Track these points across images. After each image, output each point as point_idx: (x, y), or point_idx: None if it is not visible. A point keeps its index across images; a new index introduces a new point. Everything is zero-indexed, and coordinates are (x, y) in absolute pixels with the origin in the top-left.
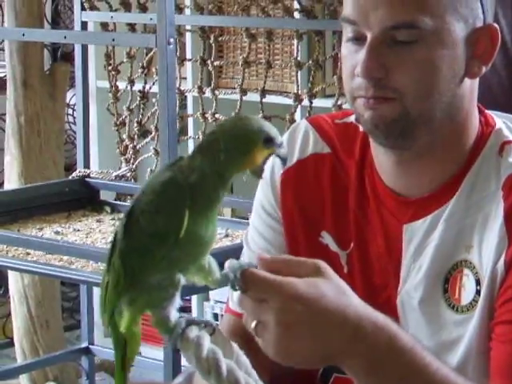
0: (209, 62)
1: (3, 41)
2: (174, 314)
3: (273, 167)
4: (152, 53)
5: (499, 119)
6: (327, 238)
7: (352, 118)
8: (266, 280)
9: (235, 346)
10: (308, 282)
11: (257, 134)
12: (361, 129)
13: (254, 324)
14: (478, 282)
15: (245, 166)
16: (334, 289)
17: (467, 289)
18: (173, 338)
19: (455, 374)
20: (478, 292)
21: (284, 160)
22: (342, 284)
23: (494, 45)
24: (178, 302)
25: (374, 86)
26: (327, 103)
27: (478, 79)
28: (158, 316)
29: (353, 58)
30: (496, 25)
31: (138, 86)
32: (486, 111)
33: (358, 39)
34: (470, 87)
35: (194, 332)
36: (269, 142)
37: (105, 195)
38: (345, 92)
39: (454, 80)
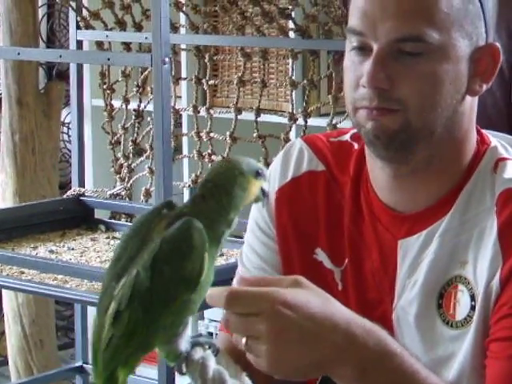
0: (204, 80)
1: None
2: (183, 345)
3: (267, 185)
4: (147, 72)
5: (494, 138)
6: (321, 255)
7: (347, 137)
8: (251, 292)
9: (238, 366)
10: (291, 290)
11: (249, 172)
12: (355, 147)
13: (244, 340)
14: (472, 298)
15: (245, 201)
16: (317, 296)
17: (462, 304)
18: (178, 362)
19: (444, 383)
20: (472, 308)
21: (266, 194)
22: (324, 293)
23: (495, 64)
24: (187, 334)
25: (379, 96)
26: (322, 122)
27: (477, 98)
28: (168, 350)
29: (356, 68)
30: (498, 44)
31: (132, 105)
32: (482, 130)
33: (363, 49)
34: (470, 105)
35: (198, 353)
36: (258, 174)
37: (99, 214)
38: (346, 102)
39: (456, 96)
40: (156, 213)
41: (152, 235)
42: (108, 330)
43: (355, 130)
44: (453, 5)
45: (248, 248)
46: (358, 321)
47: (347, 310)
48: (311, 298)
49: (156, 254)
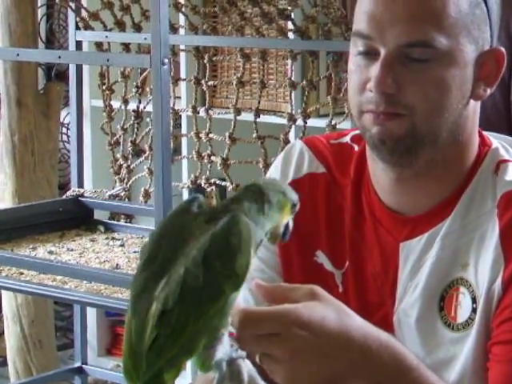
0: (203, 81)
1: None
2: (220, 351)
3: None
4: (146, 72)
5: (495, 140)
6: (322, 258)
7: (347, 139)
8: (266, 313)
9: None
10: (306, 305)
11: (290, 197)
12: (356, 148)
13: (257, 356)
14: (474, 300)
15: (275, 223)
16: (334, 310)
17: (463, 307)
18: (219, 370)
19: None
20: (474, 310)
21: (290, 231)
22: (341, 305)
23: (499, 68)
24: (226, 340)
25: (386, 101)
26: (321, 123)
27: (480, 102)
28: (206, 356)
29: (362, 72)
30: (502, 48)
31: (132, 106)
32: (483, 132)
33: (369, 54)
34: (474, 109)
35: (242, 367)
36: (294, 206)
37: (98, 214)
38: (351, 106)
39: (462, 100)
40: (186, 210)
41: (192, 232)
42: (152, 330)
43: (355, 132)
44: (461, 10)
45: None
46: (374, 334)
47: (363, 321)
48: (327, 312)
49: (207, 250)
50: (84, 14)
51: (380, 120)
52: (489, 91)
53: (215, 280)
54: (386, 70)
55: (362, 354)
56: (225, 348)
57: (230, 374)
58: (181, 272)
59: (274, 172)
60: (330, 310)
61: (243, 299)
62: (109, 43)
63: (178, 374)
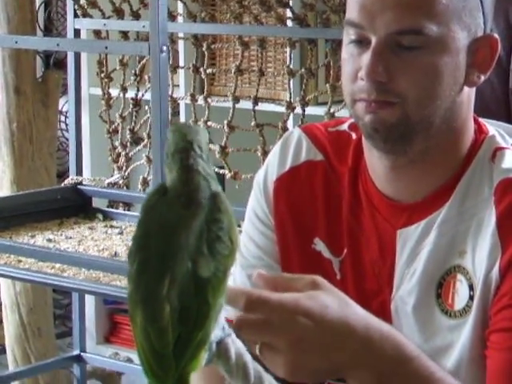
0: (201, 69)
1: None
2: (215, 334)
3: (266, 174)
4: (145, 60)
5: (492, 127)
6: (320, 245)
7: (345, 127)
8: (272, 300)
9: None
10: (309, 295)
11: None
12: (354, 136)
13: (257, 346)
14: (471, 288)
15: None
16: (336, 300)
17: (460, 294)
18: (209, 358)
19: (458, 383)
20: (471, 297)
21: None
22: (343, 295)
23: (493, 54)
24: (221, 321)
25: (377, 89)
26: (320, 111)
27: (474, 88)
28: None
29: (355, 60)
30: (496, 35)
31: (130, 94)
32: (480, 119)
33: (361, 42)
34: (468, 96)
35: (230, 345)
36: None
37: (97, 202)
38: (344, 95)
39: (454, 87)
40: (157, 203)
41: (176, 223)
42: (174, 330)
43: (353, 120)
44: None
45: (246, 237)
46: (376, 325)
47: (364, 312)
48: (329, 302)
49: (208, 236)
50: (82, 1)
51: (372, 108)
52: (483, 78)
53: (221, 262)
54: (377, 59)
55: (364, 345)
56: (216, 329)
57: (217, 353)
58: (188, 265)
59: (272, 159)
60: (332, 300)
61: (242, 285)
62: (107, 31)
63: (200, 364)
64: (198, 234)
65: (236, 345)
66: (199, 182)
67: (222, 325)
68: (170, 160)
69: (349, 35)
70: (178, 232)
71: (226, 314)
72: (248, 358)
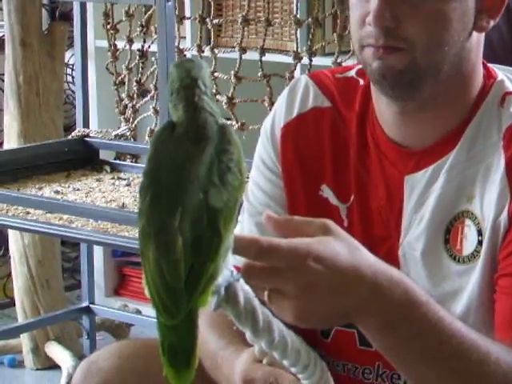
0: (208, 20)
1: (1, 0)
2: (224, 277)
3: (273, 121)
4: (151, 11)
5: (501, 72)
6: (327, 192)
7: (352, 73)
8: (284, 246)
9: None
10: (320, 240)
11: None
12: (361, 82)
13: (266, 293)
14: (479, 233)
15: None
16: (346, 246)
17: (469, 239)
18: (217, 302)
19: (466, 328)
20: (479, 243)
21: None
22: (353, 241)
23: None
24: (230, 266)
25: (385, 35)
26: (327, 61)
27: (484, 34)
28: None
29: (363, 6)
30: None
31: (136, 45)
32: (488, 64)
33: None
34: (477, 41)
35: (239, 290)
36: None
37: (104, 155)
38: (352, 40)
39: (463, 33)
40: (166, 139)
41: (185, 158)
42: (187, 262)
43: (360, 66)
44: None
45: (253, 184)
46: (385, 271)
47: (374, 258)
48: (340, 248)
49: (219, 167)
50: None
51: (380, 54)
52: (492, 23)
53: (232, 193)
54: (384, 3)
55: (373, 290)
56: (224, 273)
57: (226, 297)
58: (200, 196)
59: (279, 106)
60: (342, 246)
61: (249, 232)
62: None
63: (208, 300)
64: (209, 166)
65: (244, 290)
66: (206, 118)
67: (230, 269)
68: (175, 96)
69: None
70: (189, 165)
71: (234, 261)
72: (256, 302)
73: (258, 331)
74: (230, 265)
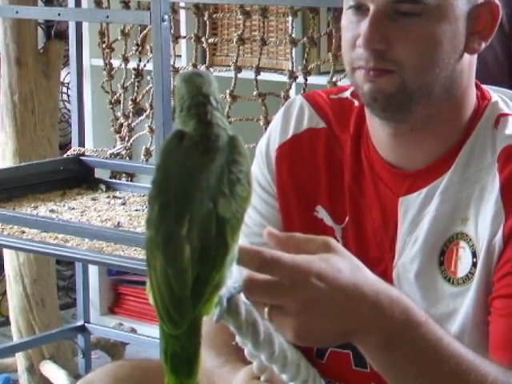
0: (203, 39)
1: None
2: (227, 288)
3: (268, 142)
4: (146, 30)
5: (494, 93)
6: (322, 213)
7: (347, 94)
8: (287, 261)
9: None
10: (322, 258)
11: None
12: (356, 104)
13: (267, 309)
14: (474, 255)
15: None
16: (348, 264)
17: (463, 261)
18: (220, 313)
19: (465, 348)
20: (474, 264)
21: None
22: (355, 259)
23: (494, 21)
24: (233, 277)
25: (375, 57)
26: (322, 80)
27: (476, 55)
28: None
29: (354, 28)
30: (497, 1)
31: (132, 64)
32: (482, 86)
33: (359, 9)
34: (469, 63)
35: (240, 302)
36: None
37: (100, 173)
38: (344, 63)
39: (454, 55)
40: (175, 148)
41: (194, 168)
42: (194, 271)
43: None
44: None
45: None
46: (386, 290)
47: (375, 277)
48: (342, 266)
49: (229, 178)
50: None
51: (370, 77)
52: (484, 45)
53: (240, 204)
54: (375, 27)
55: (374, 310)
56: (227, 283)
57: (228, 309)
58: (209, 206)
59: (274, 127)
60: (344, 264)
61: None
62: (108, 0)
63: (212, 310)
64: (219, 176)
65: (246, 301)
66: (219, 132)
67: (233, 280)
68: (185, 113)
69: (348, 1)
70: (198, 175)
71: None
72: (257, 314)
73: (259, 343)
74: (233, 275)
